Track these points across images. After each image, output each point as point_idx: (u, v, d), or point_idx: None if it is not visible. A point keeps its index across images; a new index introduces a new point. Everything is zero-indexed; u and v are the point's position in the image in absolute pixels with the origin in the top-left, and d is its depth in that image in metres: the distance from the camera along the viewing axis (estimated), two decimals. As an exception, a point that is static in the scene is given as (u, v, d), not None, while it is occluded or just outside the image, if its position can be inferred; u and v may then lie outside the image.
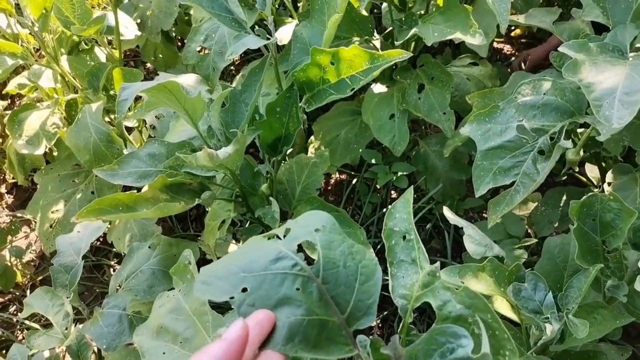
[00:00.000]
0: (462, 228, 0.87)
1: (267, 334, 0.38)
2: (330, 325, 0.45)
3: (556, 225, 1.08)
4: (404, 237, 0.58)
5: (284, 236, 0.45)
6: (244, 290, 0.41)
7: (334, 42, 1.11)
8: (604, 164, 1.04)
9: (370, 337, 0.49)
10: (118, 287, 0.79)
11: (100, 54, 1.18)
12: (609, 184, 0.94)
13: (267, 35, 0.87)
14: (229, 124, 0.87)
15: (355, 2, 1.09)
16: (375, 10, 1.54)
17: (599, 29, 0.93)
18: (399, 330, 0.52)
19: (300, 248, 0.48)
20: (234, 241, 1.12)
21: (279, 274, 0.42)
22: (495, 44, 1.65)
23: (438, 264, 0.54)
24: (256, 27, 0.89)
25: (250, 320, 0.37)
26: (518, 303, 0.71)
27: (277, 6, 1.30)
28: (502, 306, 0.81)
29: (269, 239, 0.46)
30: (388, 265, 0.55)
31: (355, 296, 0.46)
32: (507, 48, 1.66)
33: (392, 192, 1.27)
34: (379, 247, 1.18)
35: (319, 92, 0.85)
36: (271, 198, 0.95)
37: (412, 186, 0.62)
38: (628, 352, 0.87)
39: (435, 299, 0.49)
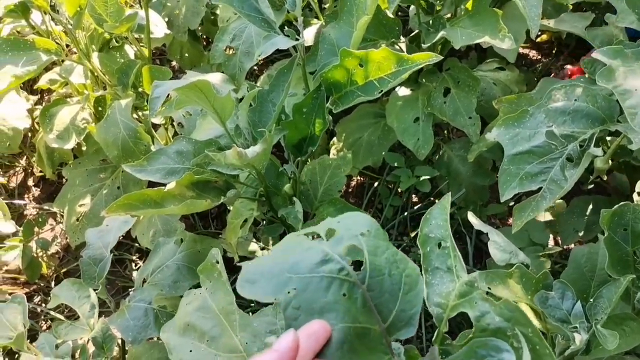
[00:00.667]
0: (485, 234, 0.87)
1: (323, 345, 0.37)
2: (372, 334, 0.44)
3: (581, 234, 1.06)
4: (439, 245, 0.57)
5: (326, 236, 0.44)
6: (289, 291, 0.40)
7: (362, 44, 1.11)
8: (633, 173, 1.02)
9: (405, 345, 0.48)
10: (143, 281, 0.81)
11: (130, 51, 1.20)
12: (639, 193, 0.92)
13: (296, 36, 0.88)
14: (256, 123, 0.88)
15: (382, 4, 1.09)
16: (400, 13, 1.53)
17: (634, 35, 0.92)
18: (433, 339, 0.52)
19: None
20: (254, 240, 1.13)
21: (326, 277, 0.41)
22: (520, 49, 1.63)
23: (477, 273, 0.53)
24: (285, 27, 0.90)
25: (305, 330, 0.36)
26: (545, 311, 0.70)
27: (302, 7, 1.31)
28: (528, 314, 0.80)
29: (311, 238, 0.45)
30: (423, 272, 0.55)
31: (398, 306, 0.44)
32: (532, 53, 1.64)
33: (413, 196, 1.27)
34: (399, 250, 1.17)
35: (346, 94, 0.85)
36: (294, 198, 0.95)
37: (449, 192, 0.62)
38: (655, 367, 0.85)
39: (473, 309, 0.48)
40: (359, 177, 1.32)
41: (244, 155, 0.69)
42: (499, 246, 0.86)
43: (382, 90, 0.81)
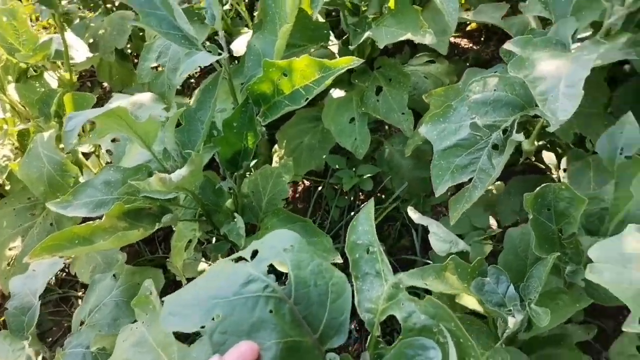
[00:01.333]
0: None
1: None
2: (304, 346, 0.45)
3: (519, 213, 1.11)
4: (368, 250, 0.58)
5: (252, 258, 0.45)
6: (215, 317, 0.40)
7: (290, 51, 1.11)
8: (559, 151, 1.07)
9: (340, 354, 0.49)
10: (81, 324, 0.77)
11: (51, 79, 1.15)
12: (565, 170, 0.97)
13: (219, 50, 0.86)
14: (185, 143, 0.86)
15: (309, 10, 1.09)
16: (334, 14, 1.54)
17: (548, 21, 0.96)
18: (367, 344, 0.53)
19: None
20: (203, 259, 1.11)
21: (251, 297, 0.42)
22: (452, 39, 1.67)
23: (401, 275, 0.55)
24: (207, 42, 0.88)
25: (233, 353, 0.36)
26: (482, 298, 0.72)
27: (232, 16, 1.29)
28: (470, 301, 0.83)
29: (235, 261, 0.45)
30: (353, 279, 0.56)
31: (327, 315, 0.46)
32: (464, 42, 1.69)
33: (360, 194, 1.28)
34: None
35: (274, 104, 0.85)
36: (235, 214, 0.94)
37: (373, 198, 0.63)
38: (593, 330, 0.90)
39: (400, 311, 0.50)
40: (305, 182, 1.33)
41: (168, 181, 0.67)
42: (439, 237, 0.89)
43: (308, 98, 0.81)
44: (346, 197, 1.23)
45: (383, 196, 1.22)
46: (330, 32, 1.24)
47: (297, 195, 1.31)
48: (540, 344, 0.84)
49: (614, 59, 0.81)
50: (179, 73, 0.79)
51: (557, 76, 0.69)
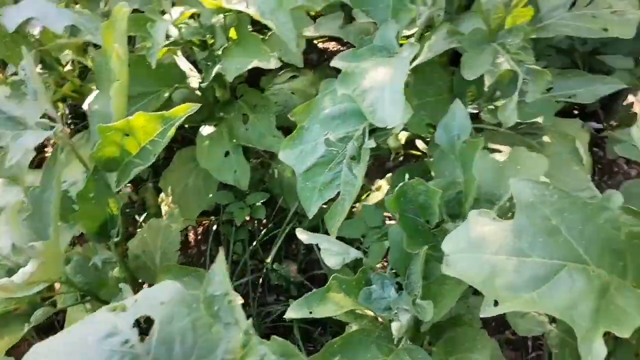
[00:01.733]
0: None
1: None
2: None
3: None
4: (226, 300, 0.59)
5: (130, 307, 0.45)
6: None
7: (144, 100, 1.07)
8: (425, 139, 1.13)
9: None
10: None
11: None
12: (430, 156, 1.02)
13: (50, 124, 0.81)
14: (39, 230, 0.80)
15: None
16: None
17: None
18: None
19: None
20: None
21: (107, 350, 0.42)
22: (321, 44, 1.71)
23: (250, 321, 0.55)
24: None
25: None
26: (370, 306, 0.74)
27: (77, 74, 1.22)
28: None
29: (115, 310, 0.45)
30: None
31: None
32: (332, 45, 1.73)
33: (263, 219, 1.27)
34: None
35: (125, 166, 0.81)
36: (122, 284, 0.89)
37: (222, 251, 0.62)
38: (493, 298, 0.96)
39: (254, 356, 0.51)
40: (204, 222, 1.29)
41: (11, 286, 0.62)
42: (330, 252, 0.89)
43: (156, 154, 0.78)
44: (248, 227, 1.22)
45: (280, 216, 1.22)
46: (192, 69, 1.22)
47: (199, 237, 1.28)
48: (443, 329, 0.88)
49: (440, 50, 0.86)
50: (7, 162, 0.73)
51: (380, 85, 0.72)
